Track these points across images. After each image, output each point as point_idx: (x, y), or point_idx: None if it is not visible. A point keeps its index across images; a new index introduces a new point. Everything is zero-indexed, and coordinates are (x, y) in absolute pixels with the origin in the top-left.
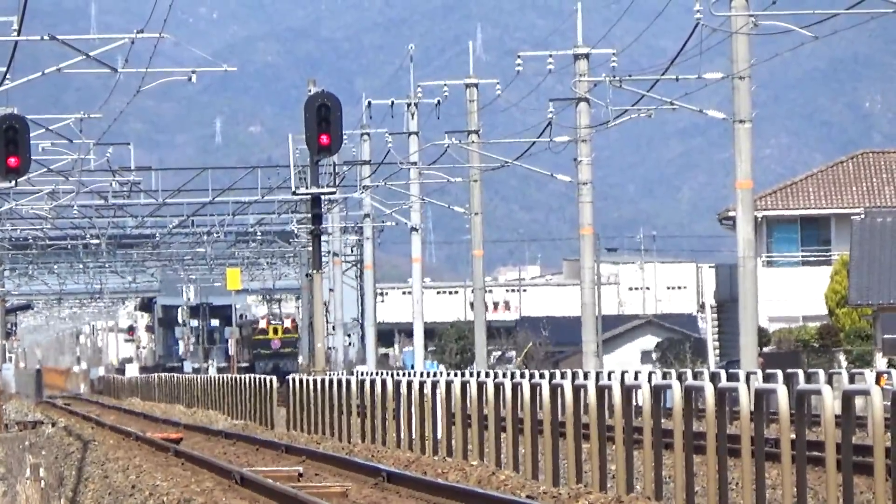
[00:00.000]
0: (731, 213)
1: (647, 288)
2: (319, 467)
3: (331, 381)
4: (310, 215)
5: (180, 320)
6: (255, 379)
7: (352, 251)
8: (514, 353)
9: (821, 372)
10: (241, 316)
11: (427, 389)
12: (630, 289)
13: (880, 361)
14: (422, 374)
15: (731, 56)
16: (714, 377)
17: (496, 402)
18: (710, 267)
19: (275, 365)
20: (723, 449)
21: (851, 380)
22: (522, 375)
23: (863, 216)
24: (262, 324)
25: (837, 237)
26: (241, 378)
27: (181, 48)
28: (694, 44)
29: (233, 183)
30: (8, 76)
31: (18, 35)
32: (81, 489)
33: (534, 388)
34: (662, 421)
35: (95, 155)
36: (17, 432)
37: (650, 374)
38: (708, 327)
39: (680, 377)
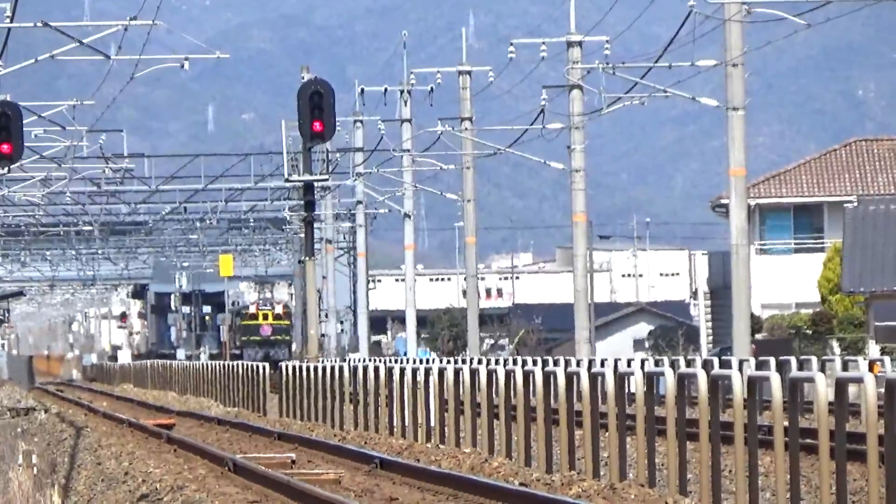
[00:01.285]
0: (725, 201)
1: (640, 275)
2: (312, 454)
3: (323, 369)
4: (302, 202)
5: (173, 307)
6: (247, 366)
7: (344, 238)
8: (506, 340)
9: (814, 359)
10: (233, 303)
11: (420, 377)
12: (623, 276)
13: (873, 349)
14: (414, 362)
15: (724, 44)
16: (707, 364)
17: (489, 390)
18: (702, 254)
19: (265, 353)
20: (716, 436)
21: (845, 367)
22: (515, 362)
23: (855, 204)
24: (252, 309)
25: (830, 225)
26: (233, 365)
27: (174, 35)
28: (687, 31)
29: (225, 170)
30: (1, 63)
31: (11, 22)
32: (74, 476)
33: (527, 375)
34: (655, 408)
35: (88, 142)
36: (9, 419)
37: (643, 361)
38: (701, 314)
39: (673, 364)
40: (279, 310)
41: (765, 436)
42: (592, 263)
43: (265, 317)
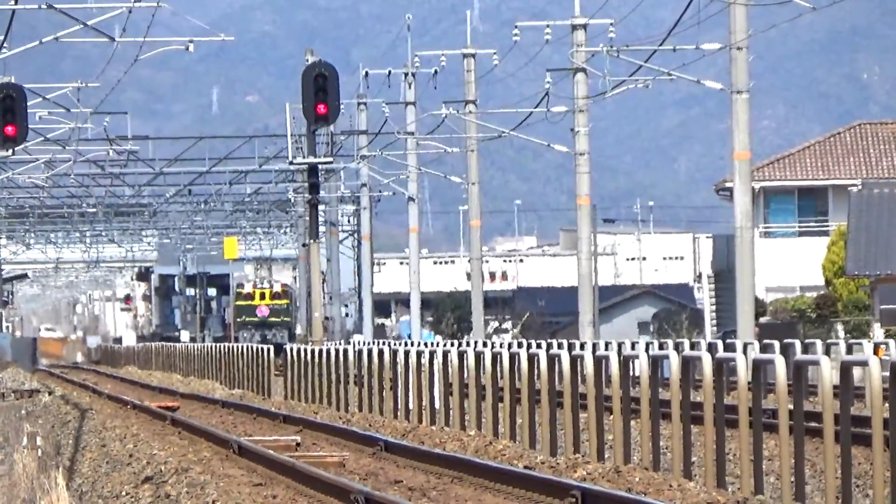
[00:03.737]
0: (729, 184)
1: (644, 258)
2: (317, 437)
3: (328, 351)
4: (307, 185)
5: (177, 289)
6: (251, 349)
7: (349, 221)
8: (510, 323)
9: (818, 342)
10: (238, 285)
11: (425, 359)
12: (627, 259)
13: (878, 332)
14: (419, 344)
15: (728, 26)
16: (711, 348)
17: (493, 373)
18: (707, 237)
19: (262, 336)
20: (720, 419)
21: (849, 350)
22: (520, 345)
23: (860, 187)
24: (248, 288)
25: (834, 208)
26: (237, 347)
27: (178, 17)
28: (692, 14)
29: (230, 152)
30: (5, 45)
31: (16, 3)
32: (79, 458)
33: (531, 358)
34: (660, 391)
35: (92, 124)
36: (13, 401)
37: (647, 344)
38: (705, 297)
39: (677, 348)
40: (277, 289)
41: (769, 419)
42: (596, 246)
43: (262, 296)
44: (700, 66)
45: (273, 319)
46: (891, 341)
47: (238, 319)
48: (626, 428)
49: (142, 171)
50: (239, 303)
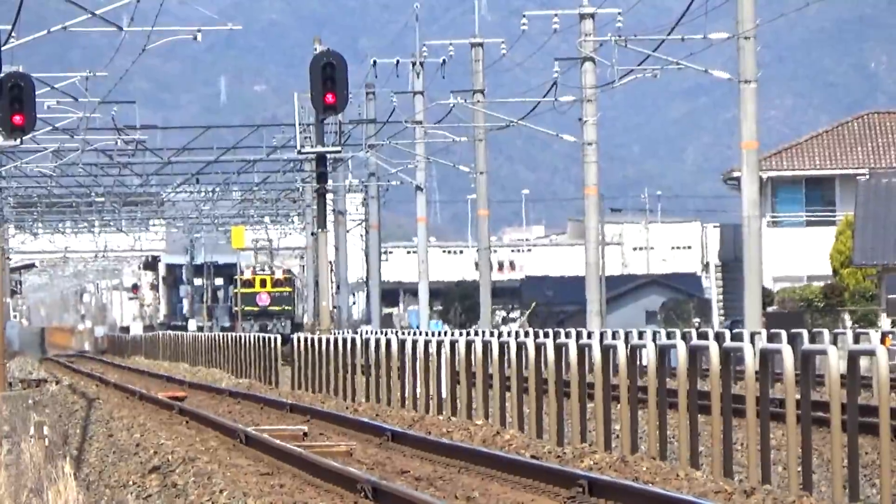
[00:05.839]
0: (736, 174)
1: (652, 248)
2: (324, 426)
3: (335, 341)
4: (315, 174)
5: (184, 279)
6: (259, 338)
7: (356, 210)
8: (518, 312)
9: (825, 332)
10: (239, 272)
11: (432, 349)
12: (634, 249)
13: (885, 321)
14: (427, 334)
15: (736, 16)
16: (718, 337)
17: (501, 362)
18: (714, 227)
19: (262, 326)
20: (727, 409)
21: (856, 340)
22: (527, 335)
23: (867, 177)
24: (248, 274)
25: (842, 198)
26: (245, 337)
27: (186, 7)
28: (699, 3)
29: (238, 141)
30: (13, 34)
31: None
32: (86, 447)
33: (538, 347)
34: (667, 381)
35: (101, 113)
36: (21, 390)
37: (654, 333)
38: (712, 287)
39: (684, 337)
40: (279, 275)
41: (776, 409)
42: (604, 236)
43: (263, 283)
44: (708, 56)
45: (274, 308)
46: None
47: (236, 308)
48: (634, 417)
49: (150, 161)
50: (238, 290)
